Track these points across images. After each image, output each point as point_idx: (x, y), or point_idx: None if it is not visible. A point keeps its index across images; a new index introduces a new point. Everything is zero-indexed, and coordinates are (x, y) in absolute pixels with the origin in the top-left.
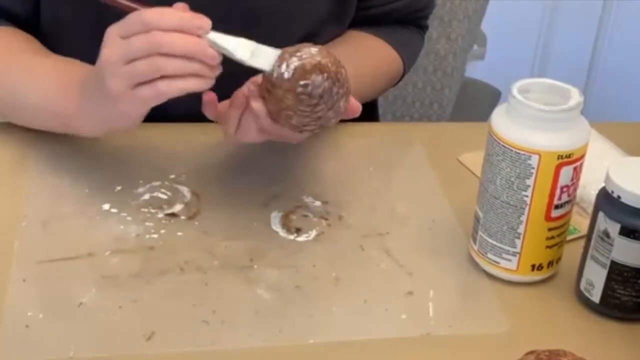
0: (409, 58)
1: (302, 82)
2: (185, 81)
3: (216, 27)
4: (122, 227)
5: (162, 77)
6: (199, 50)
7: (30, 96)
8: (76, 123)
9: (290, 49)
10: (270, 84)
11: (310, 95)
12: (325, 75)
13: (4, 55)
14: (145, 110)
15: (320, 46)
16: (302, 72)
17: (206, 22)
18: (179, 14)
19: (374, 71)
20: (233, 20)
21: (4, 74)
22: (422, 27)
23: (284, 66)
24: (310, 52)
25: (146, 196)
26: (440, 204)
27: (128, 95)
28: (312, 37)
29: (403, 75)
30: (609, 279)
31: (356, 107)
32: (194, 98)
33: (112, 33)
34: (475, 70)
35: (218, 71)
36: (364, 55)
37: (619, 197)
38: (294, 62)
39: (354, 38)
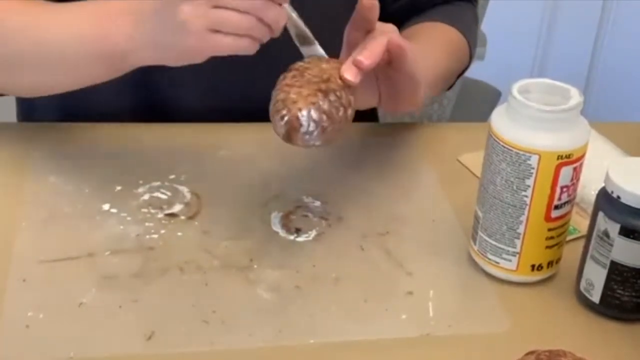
0: (470, 34)
1: (292, 143)
2: (247, 44)
3: None
4: (122, 227)
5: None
6: (282, 22)
7: (65, 43)
8: (133, 57)
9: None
10: None
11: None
12: (315, 122)
13: (22, 7)
14: (211, 54)
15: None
16: (289, 136)
17: None
18: None
19: (447, 59)
20: None
21: (27, 27)
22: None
23: (277, 122)
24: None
25: (146, 196)
26: (440, 204)
27: (203, 36)
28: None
29: (470, 58)
30: (608, 279)
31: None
32: (195, 97)
33: None
34: (475, 70)
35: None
36: (434, 46)
37: (618, 197)
38: (282, 124)
39: (417, 32)
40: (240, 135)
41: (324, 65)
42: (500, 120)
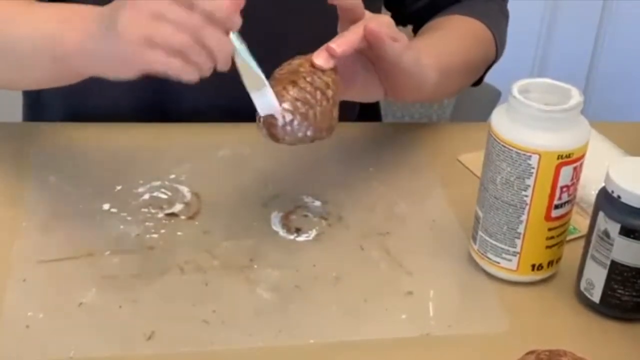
0: (496, 27)
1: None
2: (178, 64)
3: None
4: (122, 227)
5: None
6: (226, 51)
7: (27, 41)
8: (76, 64)
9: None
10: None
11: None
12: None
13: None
14: (142, 67)
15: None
16: (272, 135)
17: (238, 20)
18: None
19: (467, 48)
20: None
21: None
22: None
23: (259, 128)
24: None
25: (146, 196)
26: (440, 204)
27: (137, 47)
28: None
29: (497, 51)
30: (609, 278)
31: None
32: (196, 97)
33: None
34: None
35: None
36: (449, 35)
37: (619, 196)
38: (261, 125)
39: (434, 25)
40: (240, 135)
41: (295, 61)
42: (501, 120)
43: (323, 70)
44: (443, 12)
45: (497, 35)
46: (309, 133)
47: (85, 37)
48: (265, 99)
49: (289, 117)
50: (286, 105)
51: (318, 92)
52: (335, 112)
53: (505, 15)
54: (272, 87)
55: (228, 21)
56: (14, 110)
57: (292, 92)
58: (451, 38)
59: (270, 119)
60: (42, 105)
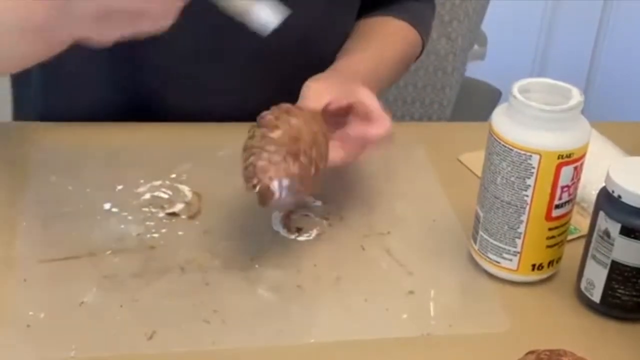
0: (426, 32)
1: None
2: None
3: None
4: (123, 226)
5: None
6: None
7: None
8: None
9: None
10: None
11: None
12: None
13: None
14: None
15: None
16: (262, 202)
17: None
18: None
19: (395, 57)
20: None
21: None
22: None
23: (249, 188)
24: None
25: (147, 195)
26: (440, 204)
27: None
28: (320, 28)
29: (422, 50)
30: (609, 278)
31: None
32: (196, 97)
33: None
34: (475, 70)
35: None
36: (384, 45)
37: (619, 196)
38: (255, 192)
39: (370, 27)
40: (241, 134)
41: (293, 121)
42: (501, 120)
43: (319, 134)
44: (380, 9)
45: (424, 39)
46: (297, 200)
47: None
48: (264, 12)
49: (285, 193)
50: (286, 183)
51: (313, 168)
52: (318, 181)
53: (431, 6)
54: (269, 153)
55: None
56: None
57: (295, 168)
58: (386, 49)
59: (267, 193)
60: (23, 104)
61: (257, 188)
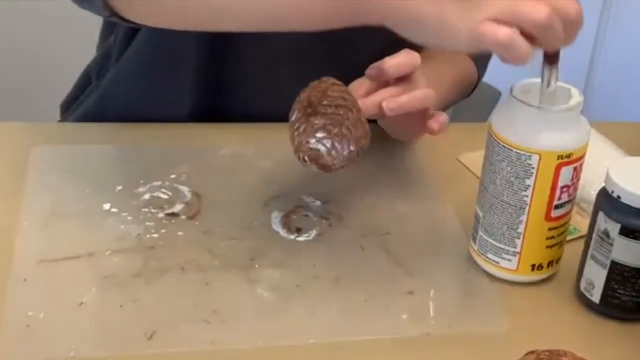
0: (483, 66)
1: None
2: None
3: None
4: (122, 227)
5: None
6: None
7: None
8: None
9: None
10: None
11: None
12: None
13: None
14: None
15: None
16: (324, 167)
17: None
18: None
19: (453, 81)
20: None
21: None
22: None
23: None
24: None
25: (147, 196)
26: (440, 204)
27: (477, 29)
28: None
29: (476, 85)
30: (609, 279)
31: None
32: (196, 98)
33: None
34: None
35: None
36: (443, 66)
37: (619, 197)
38: (309, 166)
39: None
40: (241, 135)
41: (301, 95)
42: (501, 120)
43: (331, 88)
44: None
45: (481, 71)
46: (352, 148)
47: None
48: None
49: (328, 142)
50: (319, 134)
51: (340, 109)
52: (364, 118)
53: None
54: (299, 127)
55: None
56: (14, 110)
57: (318, 120)
58: (444, 72)
59: (313, 153)
60: (105, 110)
61: (307, 162)
